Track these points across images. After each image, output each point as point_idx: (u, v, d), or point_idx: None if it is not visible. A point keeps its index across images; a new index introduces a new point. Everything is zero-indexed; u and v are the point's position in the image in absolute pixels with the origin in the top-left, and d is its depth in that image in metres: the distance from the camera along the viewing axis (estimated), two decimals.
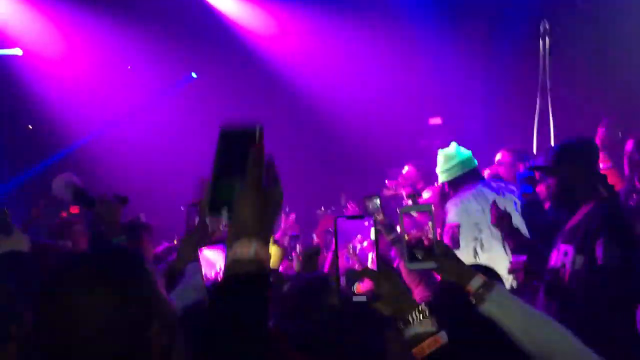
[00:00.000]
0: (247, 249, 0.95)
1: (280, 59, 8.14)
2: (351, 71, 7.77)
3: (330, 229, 3.91)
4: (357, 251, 1.33)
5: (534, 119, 6.15)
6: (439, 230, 3.50)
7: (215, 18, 7.85)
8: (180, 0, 7.52)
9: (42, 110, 7.53)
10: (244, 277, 0.93)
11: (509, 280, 2.93)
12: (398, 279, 1.37)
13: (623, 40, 5.61)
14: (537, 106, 6.20)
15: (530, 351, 1.42)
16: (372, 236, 1.32)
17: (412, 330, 1.29)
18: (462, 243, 3.36)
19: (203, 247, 1.62)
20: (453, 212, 3.49)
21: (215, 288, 0.95)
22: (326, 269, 3.01)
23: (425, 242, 1.47)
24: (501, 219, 3.25)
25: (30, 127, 7.66)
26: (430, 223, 1.43)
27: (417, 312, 1.29)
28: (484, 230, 3.45)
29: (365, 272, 1.32)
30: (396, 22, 7.13)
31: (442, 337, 1.28)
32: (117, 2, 7.21)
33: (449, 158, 3.75)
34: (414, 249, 1.45)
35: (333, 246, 3.24)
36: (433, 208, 1.52)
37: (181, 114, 8.05)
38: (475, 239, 3.44)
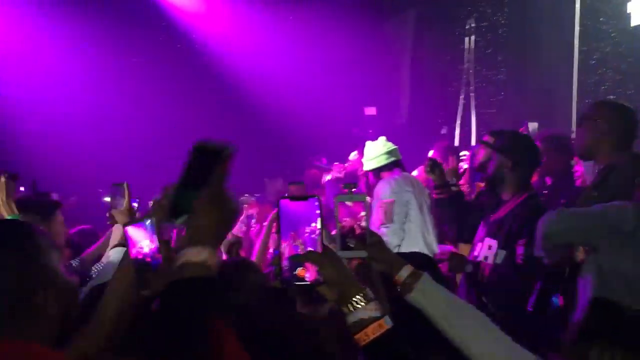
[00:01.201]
0: (198, 255, 1.06)
1: (210, 39, 7.91)
2: (285, 56, 7.66)
3: (249, 212, 3.91)
4: (306, 246, 1.26)
5: (457, 114, 6.37)
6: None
7: None
8: None
9: None
10: (193, 278, 1.04)
11: None
12: (343, 262, 1.31)
13: (543, 41, 5.90)
14: (461, 101, 6.43)
15: (453, 338, 1.46)
16: (318, 218, 1.26)
17: (356, 315, 1.26)
18: (395, 218, 3.44)
19: (127, 226, 1.58)
20: (387, 190, 3.56)
21: (166, 286, 1.05)
22: (254, 255, 2.96)
23: (357, 231, 1.47)
24: (433, 168, 3.31)
25: None
26: (363, 212, 1.44)
27: (361, 297, 1.25)
28: (412, 209, 3.58)
29: (308, 255, 1.27)
30: (329, 10, 7.12)
31: (387, 322, 1.25)
32: None
33: (375, 147, 3.87)
34: (346, 238, 1.45)
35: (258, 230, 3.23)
36: (368, 199, 1.53)
37: (100, 87, 7.65)
38: (406, 215, 3.53)
